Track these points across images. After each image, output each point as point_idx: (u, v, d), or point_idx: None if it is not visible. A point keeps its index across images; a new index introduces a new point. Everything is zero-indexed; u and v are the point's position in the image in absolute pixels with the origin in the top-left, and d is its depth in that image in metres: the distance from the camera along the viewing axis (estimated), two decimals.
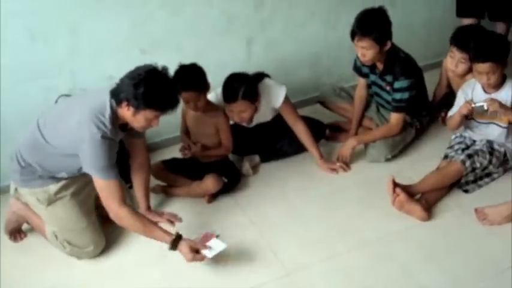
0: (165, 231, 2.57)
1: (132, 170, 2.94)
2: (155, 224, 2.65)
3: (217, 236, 2.65)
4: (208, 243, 2.60)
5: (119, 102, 2.44)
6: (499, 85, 2.90)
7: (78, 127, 2.42)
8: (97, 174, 2.47)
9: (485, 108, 2.83)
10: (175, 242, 2.53)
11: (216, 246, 2.59)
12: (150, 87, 2.37)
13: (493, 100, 2.82)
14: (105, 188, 2.49)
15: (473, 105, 2.87)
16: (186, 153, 3.09)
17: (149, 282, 2.63)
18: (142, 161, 2.92)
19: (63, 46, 3.15)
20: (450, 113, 3.10)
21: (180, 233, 2.57)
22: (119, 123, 2.53)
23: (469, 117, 3.01)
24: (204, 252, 2.56)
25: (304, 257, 2.67)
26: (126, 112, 2.45)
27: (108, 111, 2.44)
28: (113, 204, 2.50)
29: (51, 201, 2.67)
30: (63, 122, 2.49)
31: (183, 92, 2.80)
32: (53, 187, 2.66)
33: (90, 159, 2.44)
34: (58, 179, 2.67)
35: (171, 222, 2.89)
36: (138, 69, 2.43)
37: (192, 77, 2.88)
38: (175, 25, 3.40)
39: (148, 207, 2.98)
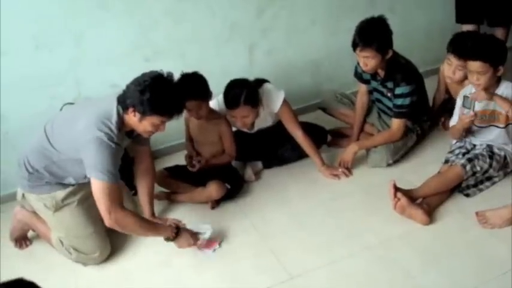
0: (166, 226, 2.70)
1: (136, 176, 2.97)
2: (155, 222, 2.81)
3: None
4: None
5: (125, 108, 2.48)
6: (490, 88, 2.84)
7: (85, 132, 2.42)
8: (98, 176, 2.40)
9: (473, 101, 2.78)
10: (176, 233, 2.66)
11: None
12: (156, 93, 2.40)
13: (476, 92, 2.79)
14: (106, 191, 2.41)
15: (465, 112, 2.83)
16: (193, 168, 3.10)
17: None
18: (146, 167, 2.95)
19: (67, 54, 3.19)
20: (452, 123, 3.09)
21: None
22: (125, 130, 2.56)
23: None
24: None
25: (307, 261, 2.68)
26: (132, 118, 2.48)
27: (114, 117, 2.46)
28: (113, 208, 2.43)
29: (58, 207, 2.69)
30: (70, 128, 2.50)
31: (186, 101, 2.82)
32: (60, 193, 2.68)
33: (94, 161, 2.40)
34: (65, 185, 2.69)
35: None
36: (143, 75, 2.46)
37: (194, 85, 2.90)
38: (179, 33, 3.44)
39: (153, 214, 3.01)
